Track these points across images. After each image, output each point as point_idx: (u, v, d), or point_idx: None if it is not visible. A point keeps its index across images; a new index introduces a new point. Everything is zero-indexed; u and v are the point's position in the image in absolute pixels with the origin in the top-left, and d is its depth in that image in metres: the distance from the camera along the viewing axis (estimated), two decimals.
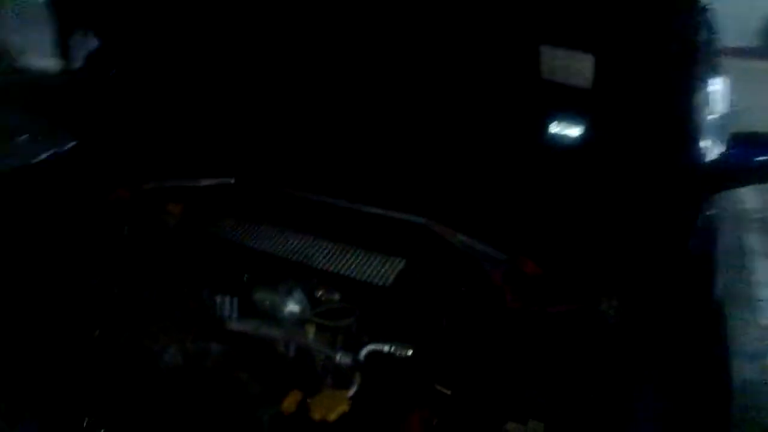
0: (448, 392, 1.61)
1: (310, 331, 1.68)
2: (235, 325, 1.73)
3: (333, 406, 1.50)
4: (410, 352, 1.65)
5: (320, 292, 1.81)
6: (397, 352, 1.65)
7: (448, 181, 2.13)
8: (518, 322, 1.74)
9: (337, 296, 1.82)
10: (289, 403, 1.53)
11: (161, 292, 1.84)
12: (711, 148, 1.87)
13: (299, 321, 1.70)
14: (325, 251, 1.97)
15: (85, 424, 1.49)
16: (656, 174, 1.83)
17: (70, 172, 2.30)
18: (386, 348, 1.65)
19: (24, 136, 3.29)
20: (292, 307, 1.70)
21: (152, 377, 1.60)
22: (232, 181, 2.29)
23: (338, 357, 1.62)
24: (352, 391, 1.57)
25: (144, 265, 1.96)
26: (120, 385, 1.59)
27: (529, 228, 1.96)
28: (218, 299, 1.76)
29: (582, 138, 1.93)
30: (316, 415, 1.48)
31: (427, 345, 1.68)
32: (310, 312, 1.73)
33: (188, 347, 1.66)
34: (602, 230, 1.87)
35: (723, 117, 1.90)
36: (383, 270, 1.89)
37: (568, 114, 1.94)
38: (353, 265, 1.91)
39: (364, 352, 1.63)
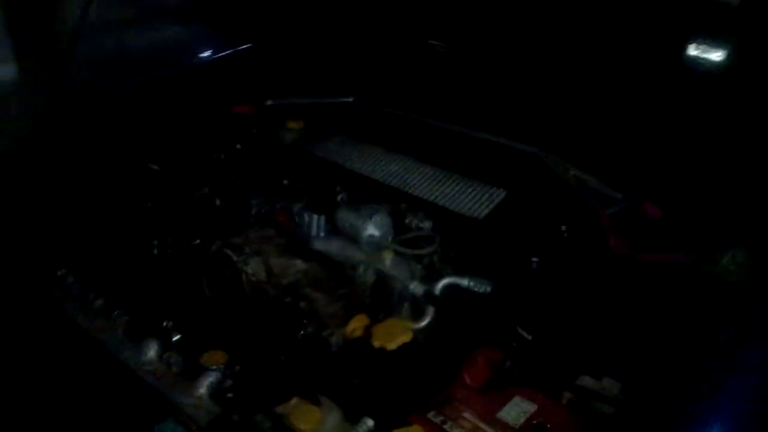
0: (529, 337, 1.49)
1: (388, 257, 1.61)
2: (318, 245, 1.71)
3: (395, 335, 1.44)
4: (490, 289, 1.54)
5: (409, 218, 1.73)
6: (477, 288, 1.55)
7: (570, 110, 1.93)
8: (619, 269, 1.56)
9: (427, 224, 1.73)
10: (354, 327, 1.49)
11: (256, 206, 1.85)
12: None
13: (378, 246, 1.64)
14: (425, 177, 1.88)
15: (164, 325, 1.55)
16: None
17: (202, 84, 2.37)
18: (465, 282, 1.55)
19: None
20: (372, 230, 1.64)
21: (228, 288, 1.63)
22: (351, 100, 2.24)
23: (412, 286, 1.55)
24: (421, 323, 1.50)
25: (249, 178, 1.99)
26: (198, 293, 1.65)
27: (654, 166, 1.74)
28: (307, 217, 1.74)
29: (721, 65, 1.65)
30: (376, 342, 1.44)
31: (512, 284, 1.55)
32: (391, 238, 1.66)
33: (271, 262, 1.67)
34: (737, 171, 1.61)
35: None
36: (480, 201, 1.77)
37: (709, 36, 1.65)
38: (449, 194, 1.81)
39: (440, 284, 1.55)
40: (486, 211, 1.73)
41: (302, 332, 1.50)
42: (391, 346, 1.42)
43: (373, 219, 1.64)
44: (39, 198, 1.91)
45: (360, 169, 1.94)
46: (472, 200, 1.78)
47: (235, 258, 1.63)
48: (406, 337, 1.43)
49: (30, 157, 2.04)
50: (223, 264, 1.64)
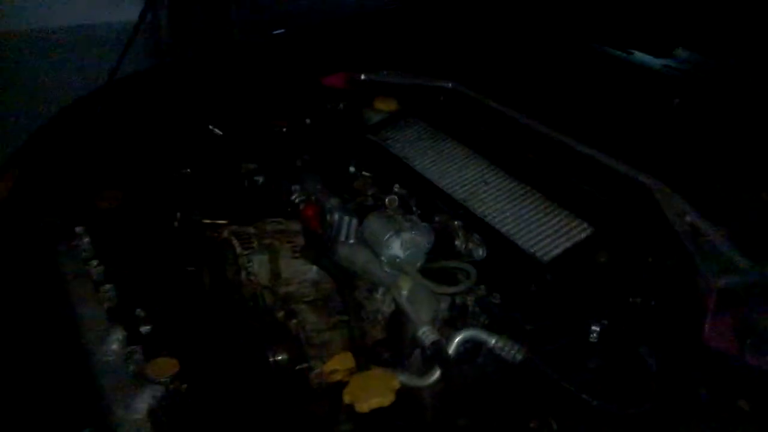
0: None
1: (405, 286, 1.27)
2: (342, 252, 1.41)
3: (370, 393, 1.11)
4: (521, 358, 1.15)
5: (460, 241, 1.38)
6: (506, 353, 1.17)
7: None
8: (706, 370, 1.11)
9: (480, 252, 1.37)
10: (333, 368, 1.19)
11: (300, 193, 1.59)
12: None
13: (404, 269, 1.30)
14: (502, 192, 1.51)
15: (136, 313, 1.35)
16: None
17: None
18: (492, 341, 1.18)
19: None
20: (396, 249, 1.30)
21: (224, 284, 1.39)
22: (449, 85, 1.89)
23: (421, 332, 1.21)
24: (416, 383, 1.16)
25: (310, 159, 1.73)
26: (196, 282, 1.42)
27: None
28: (337, 216, 1.44)
29: None
30: (346, 397, 1.12)
31: (551, 359, 1.16)
32: (421, 263, 1.31)
33: (281, 263, 1.40)
34: None
35: None
36: (557, 236, 1.37)
37: None
38: (523, 219, 1.42)
39: (458, 337, 1.19)
40: (556, 253, 1.32)
41: (275, 359, 1.22)
42: (362, 406, 1.09)
43: (401, 235, 1.30)
44: (94, 147, 1.79)
45: (428, 170, 1.61)
46: (548, 233, 1.38)
47: (239, 251, 1.38)
48: (383, 399, 1.10)
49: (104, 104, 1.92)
50: (226, 255, 1.39)
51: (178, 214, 1.56)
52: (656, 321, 1.20)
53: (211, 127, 1.80)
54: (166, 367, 1.20)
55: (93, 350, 1.30)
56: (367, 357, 1.24)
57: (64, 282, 1.46)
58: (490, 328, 1.23)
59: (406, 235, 1.30)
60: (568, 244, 1.34)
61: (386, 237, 1.30)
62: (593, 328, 1.18)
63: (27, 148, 1.76)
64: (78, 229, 1.58)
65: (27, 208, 1.67)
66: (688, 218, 1.32)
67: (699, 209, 1.34)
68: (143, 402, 1.18)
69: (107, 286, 1.41)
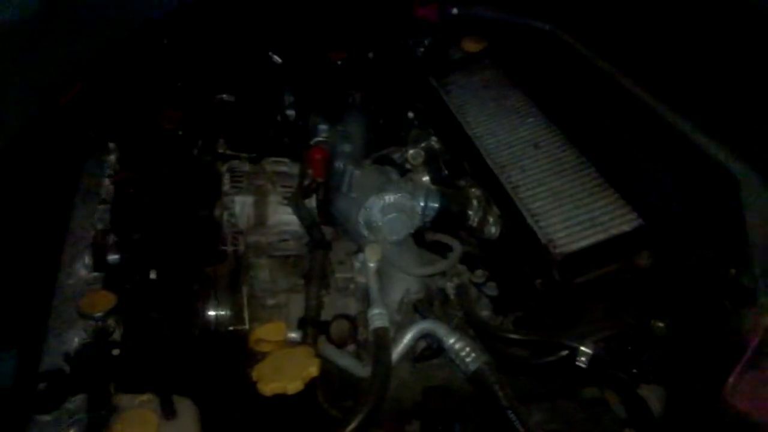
0: None
1: (372, 256, 1.05)
2: (340, 205, 1.20)
3: (280, 374, 0.93)
4: (474, 368, 0.90)
5: (474, 211, 1.13)
6: (459, 358, 0.92)
7: None
8: None
9: (493, 231, 1.11)
10: (259, 337, 1.01)
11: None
12: None
13: (375, 235, 1.08)
14: (549, 161, 1.21)
15: None
16: None
17: None
18: (450, 341, 0.93)
19: None
20: (374, 213, 1.08)
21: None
22: (546, 27, 1.57)
23: (372, 313, 0.98)
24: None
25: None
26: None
27: None
28: (341, 166, 1.24)
29: None
30: (253, 374, 0.94)
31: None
32: (403, 232, 1.08)
33: (267, 209, 1.23)
34: None
35: None
36: (593, 225, 1.06)
37: None
38: (561, 198, 1.12)
39: (411, 332, 0.95)
40: (578, 246, 1.02)
41: (215, 314, 1.07)
42: (264, 388, 0.91)
43: (383, 198, 1.07)
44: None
45: (479, 124, 1.34)
46: (583, 219, 1.07)
47: (225, 188, 1.23)
48: (288, 386, 0.90)
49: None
50: (212, 193, 1.25)
51: (200, 142, 1.43)
52: (674, 354, 0.87)
53: (270, 53, 1.64)
54: (102, 301, 1.10)
55: (65, 270, 1.24)
56: (318, 330, 1.04)
57: (75, 194, 1.41)
58: (468, 325, 0.97)
59: (390, 198, 1.07)
60: (601, 237, 1.03)
61: (367, 197, 1.08)
62: (583, 350, 0.89)
63: (94, 62, 1.73)
64: (111, 145, 1.53)
65: (80, 119, 1.64)
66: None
67: None
68: (75, 335, 1.09)
69: (102, 207, 1.34)
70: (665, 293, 0.96)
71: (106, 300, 1.09)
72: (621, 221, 1.04)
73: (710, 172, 1.05)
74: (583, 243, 1.02)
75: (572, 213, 1.07)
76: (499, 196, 1.14)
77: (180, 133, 1.56)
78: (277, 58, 1.67)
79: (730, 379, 0.79)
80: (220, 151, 1.37)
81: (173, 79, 1.67)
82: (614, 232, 1.03)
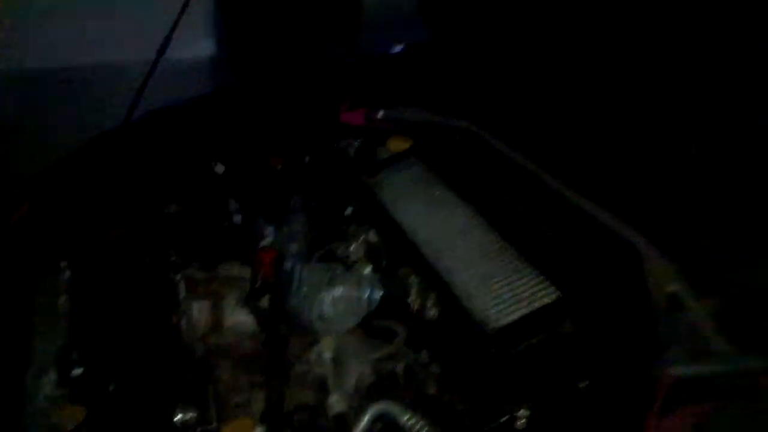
0: None
1: (328, 347, 1.16)
2: (294, 303, 1.31)
3: None
4: None
5: (413, 298, 1.25)
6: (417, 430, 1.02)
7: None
8: None
9: (433, 313, 1.23)
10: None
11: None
12: None
13: (329, 327, 1.19)
14: (477, 247, 1.35)
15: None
16: None
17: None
18: (404, 419, 1.03)
19: None
20: (325, 306, 1.19)
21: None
22: (463, 125, 1.75)
23: (331, 400, 1.08)
24: None
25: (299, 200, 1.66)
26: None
27: None
28: (290, 265, 1.35)
29: None
30: None
31: None
32: (352, 321, 1.20)
33: (224, 313, 1.33)
34: None
35: None
36: (518, 301, 1.20)
37: None
38: (489, 279, 1.26)
39: (368, 413, 1.05)
40: (507, 321, 1.15)
41: (183, 417, 1.14)
42: None
43: (331, 292, 1.19)
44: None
45: (411, 218, 1.47)
46: (508, 297, 1.21)
47: (182, 295, 1.32)
48: None
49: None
50: (169, 301, 1.34)
51: (151, 254, 1.52)
52: (597, 413, 1.00)
53: (213, 163, 1.77)
54: (73, 415, 1.16)
55: (30, 391, 1.29)
56: (282, 424, 1.13)
57: (33, 313, 1.47)
58: (418, 402, 1.08)
59: (338, 292, 1.19)
60: (525, 311, 1.16)
61: (317, 292, 1.20)
62: (522, 413, 1.01)
63: (41, 181, 1.81)
64: (62, 264, 1.59)
65: (31, 240, 1.71)
66: (671, 287, 1.11)
67: (691, 276, 1.12)
68: None
69: (63, 324, 1.40)
70: (587, 356, 1.09)
71: (78, 413, 1.15)
72: (542, 295, 1.18)
73: (616, 246, 1.21)
74: (512, 317, 1.15)
75: (500, 291, 1.21)
76: (434, 281, 1.27)
77: (130, 244, 1.64)
78: (220, 167, 1.80)
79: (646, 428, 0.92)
80: (173, 259, 1.47)
81: (120, 194, 1.77)
82: (537, 305, 1.16)
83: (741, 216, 1.21)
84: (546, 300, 1.17)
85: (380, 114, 1.90)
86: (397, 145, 1.81)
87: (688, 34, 1.50)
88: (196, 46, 2.59)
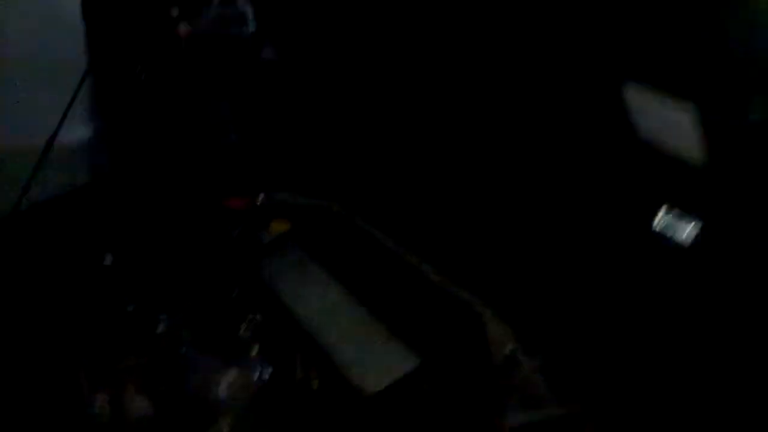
0: None
1: (224, 427, 1.32)
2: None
3: None
4: None
5: (299, 371, 1.43)
6: None
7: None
8: None
9: (316, 385, 1.41)
10: None
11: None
12: None
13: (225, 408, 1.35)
14: (350, 321, 1.55)
15: None
16: None
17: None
18: None
19: None
20: (222, 389, 1.35)
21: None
22: (334, 207, 1.96)
23: None
24: None
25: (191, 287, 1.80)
26: None
27: None
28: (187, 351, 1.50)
29: None
30: None
31: None
32: (246, 400, 1.36)
33: (130, 398, 1.45)
34: None
35: None
36: (388, 368, 1.40)
37: None
38: (361, 350, 1.46)
39: None
40: (382, 384, 1.36)
41: None
42: None
43: (226, 375, 1.36)
44: None
45: (291, 297, 1.66)
46: (381, 363, 1.42)
47: (84, 388, 1.44)
48: None
49: None
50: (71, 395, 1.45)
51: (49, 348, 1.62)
52: None
53: (105, 255, 1.88)
54: None
55: None
56: None
57: None
58: None
59: (232, 375, 1.35)
60: (396, 375, 1.37)
61: (214, 376, 1.36)
62: None
63: None
64: None
65: None
66: (508, 348, 1.35)
67: (523, 337, 1.37)
68: None
69: None
70: (443, 410, 1.31)
71: None
72: (407, 361, 1.40)
73: (464, 314, 1.45)
74: (386, 381, 1.36)
75: (373, 361, 1.42)
76: (316, 354, 1.47)
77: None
78: (109, 258, 1.92)
79: None
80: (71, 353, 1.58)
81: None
82: (404, 371, 1.38)
83: (564, 286, 1.47)
84: (410, 366, 1.38)
85: (260, 198, 2.09)
86: (278, 227, 2.00)
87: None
88: (79, 131, 2.67)
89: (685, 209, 1.11)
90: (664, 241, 1.13)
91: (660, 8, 0.97)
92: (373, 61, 1.83)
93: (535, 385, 1.27)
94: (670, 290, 1.15)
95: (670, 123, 1.03)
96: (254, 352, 1.46)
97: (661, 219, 1.13)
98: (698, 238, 1.08)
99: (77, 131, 2.72)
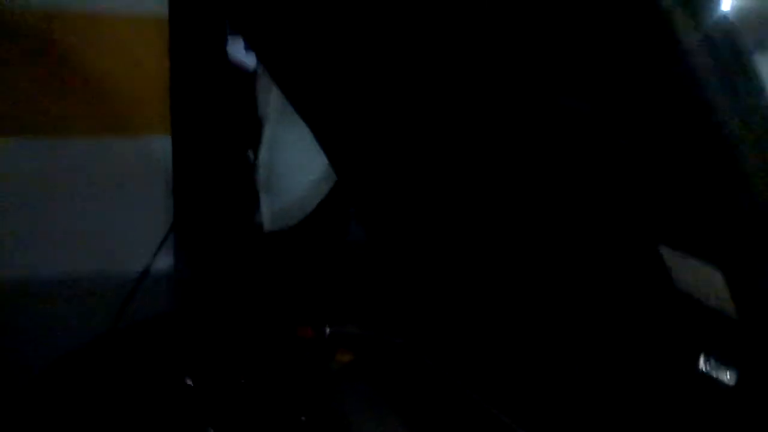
0: None
1: None
2: None
3: None
4: None
5: None
6: None
7: None
8: None
9: None
10: None
11: None
12: None
13: None
14: None
15: None
16: None
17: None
18: None
19: None
20: None
21: None
22: (399, 341, 2.09)
23: None
24: None
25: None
26: None
27: None
28: None
29: None
30: None
31: None
32: None
33: None
34: None
35: None
36: None
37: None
38: None
39: None
40: None
41: None
42: None
43: None
44: None
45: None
46: None
47: None
48: None
49: None
50: None
51: None
52: None
53: (186, 379, 2.03)
54: None
55: None
56: None
57: None
58: None
59: None
60: None
61: None
62: None
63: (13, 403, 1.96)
64: None
65: None
66: None
67: None
68: None
69: None
70: None
71: None
72: None
73: None
74: None
75: None
76: None
77: None
78: (189, 382, 2.07)
79: None
80: None
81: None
82: None
83: None
84: None
85: (328, 329, 2.24)
86: (343, 357, 2.13)
87: None
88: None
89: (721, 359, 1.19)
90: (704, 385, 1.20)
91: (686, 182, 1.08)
92: None
93: None
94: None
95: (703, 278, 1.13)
96: None
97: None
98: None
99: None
